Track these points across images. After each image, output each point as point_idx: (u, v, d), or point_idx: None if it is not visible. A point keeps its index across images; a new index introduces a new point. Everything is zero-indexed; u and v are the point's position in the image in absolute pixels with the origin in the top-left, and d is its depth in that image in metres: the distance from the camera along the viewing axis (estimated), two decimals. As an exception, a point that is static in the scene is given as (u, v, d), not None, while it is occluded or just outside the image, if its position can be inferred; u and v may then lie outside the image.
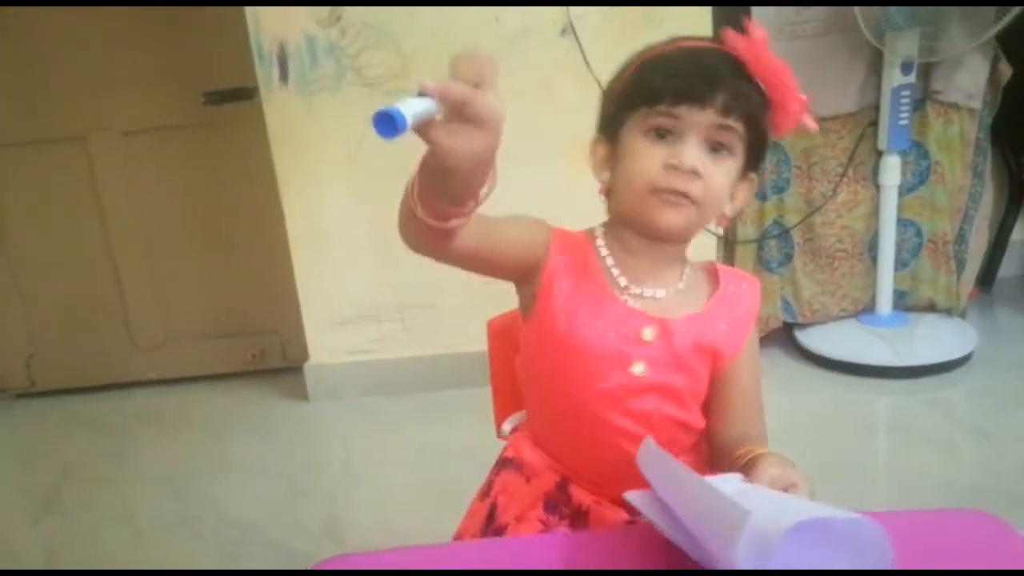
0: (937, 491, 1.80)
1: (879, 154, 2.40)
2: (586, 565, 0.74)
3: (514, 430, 1.09)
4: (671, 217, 0.87)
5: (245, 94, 2.39)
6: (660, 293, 0.93)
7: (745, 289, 0.97)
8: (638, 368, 0.90)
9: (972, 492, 1.77)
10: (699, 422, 0.97)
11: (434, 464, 2.08)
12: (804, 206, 2.48)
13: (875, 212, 2.46)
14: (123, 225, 2.63)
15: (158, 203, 2.61)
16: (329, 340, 2.48)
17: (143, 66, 2.45)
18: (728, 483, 0.75)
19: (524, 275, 0.93)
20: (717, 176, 0.87)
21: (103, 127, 2.52)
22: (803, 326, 2.57)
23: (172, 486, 2.13)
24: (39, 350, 2.74)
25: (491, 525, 0.99)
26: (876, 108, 2.37)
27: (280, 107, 2.27)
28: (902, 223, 2.48)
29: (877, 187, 2.43)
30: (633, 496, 0.79)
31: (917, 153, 2.45)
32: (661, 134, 0.86)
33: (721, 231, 2.44)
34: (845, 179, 2.45)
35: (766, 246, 2.51)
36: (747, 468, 0.82)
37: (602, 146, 0.94)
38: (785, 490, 0.75)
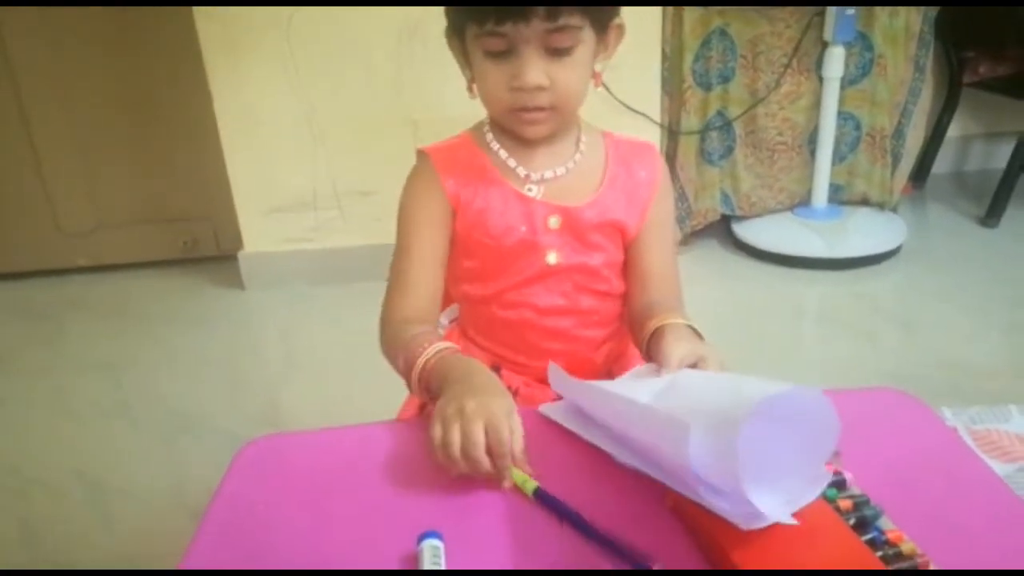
0: (861, 378, 1.88)
1: (824, 45, 2.38)
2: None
3: (451, 322, 1.10)
4: (535, 131, 0.89)
5: (169, -35, 2.23)
6: (560, 170, 0.93)
7: (638, 162, 0.97)
8: (551, 257, 0.94)
9: (893, 379, 1.86)
10: (618, 288, 0.99)
11: (374, 353, 2.08)
12: (748, 97, 2.47)
13: (816, 105, 2.46)
14: (43, 108, 2.47)
15: (79, 82, 2.46)
16: (264, 228, 2.42)
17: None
18: (647, 385, 0.75)
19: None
20: (567, 77, 0.85)
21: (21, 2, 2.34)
22: (740, 219, 2.61)
23: (108, 374, 2.10)
24: (-41, 236, 2.62)
25: (425, 409, 1.01)
26: (824, -3, 2.34)
27: (205, -21, 2.13)
28: (842, 116, 2.49)
29: (820, 79, 2.42)
30: (549, 409, 0.80)
31: (862, 45, 2.43)
32: (496, 54, 0.84)
33: (665, 121, 2.42)
34: (789, 70, 2.43)
35: (708, 138, 2.50)
36: (653, 343, 0.84)
37: (455, 43, 0.91)
38: (695, 365, 0.78)
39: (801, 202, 2.61)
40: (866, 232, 2.51)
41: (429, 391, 0.81)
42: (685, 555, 0.61)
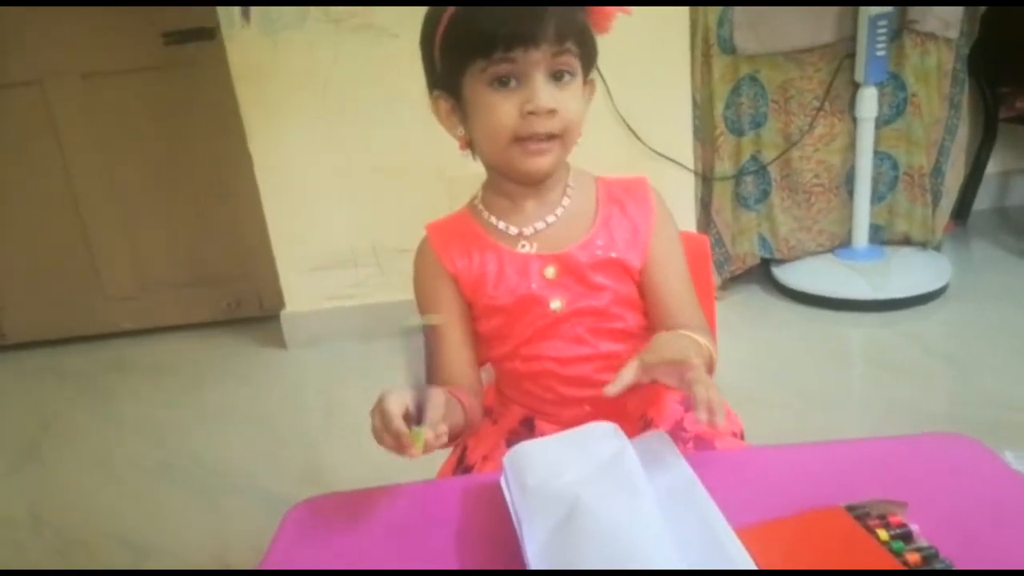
0: (913, 421, 1.82)
1: (856, 86, 2.37)
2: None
3: (487, 382, 1.10)
4: (539, 163, 0.89)
5: (207, 33, 2.32)
6: (550, 218, 0.95)
7: (630, 198, 0.97)
8: (555, 304, 0.94)
9: (947, 421, 1.80)
10: (639, 326, 0.99)
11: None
12: (782, 141, 2.46)
13: (852, 145, 2.44)
14: (86, 173, 2.56)
15: (121, 149, 2.54)
16: (305, 286, 2.45)
17: (100, 6, 2.35)
18: (553, 505, 0.65)
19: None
20: (571, 103, 0.87)
21: (60, 71, 2.43)
22: (780, 262, 2.58)
23: (151, 434, 2.12)
24: (7, 303, 2.68)
25: (460, 466, 1.02)
26: (853, 39, 2.33)
27: (243, 45, 2.20)
28: (878, 156, 2.47)
29: (854, 120, 2.41)
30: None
31: (894, 85, 2.42)
32: (505, 82, 0.85)
33: (699, 168, 2.42)
34: (822, 112, 2.42)
35: (743, 182, 2.49)
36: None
37: (443, 100, 0.92)
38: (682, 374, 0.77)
39: (842, 244, 2.57)
40: (910, 271, 2.46)
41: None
42: None
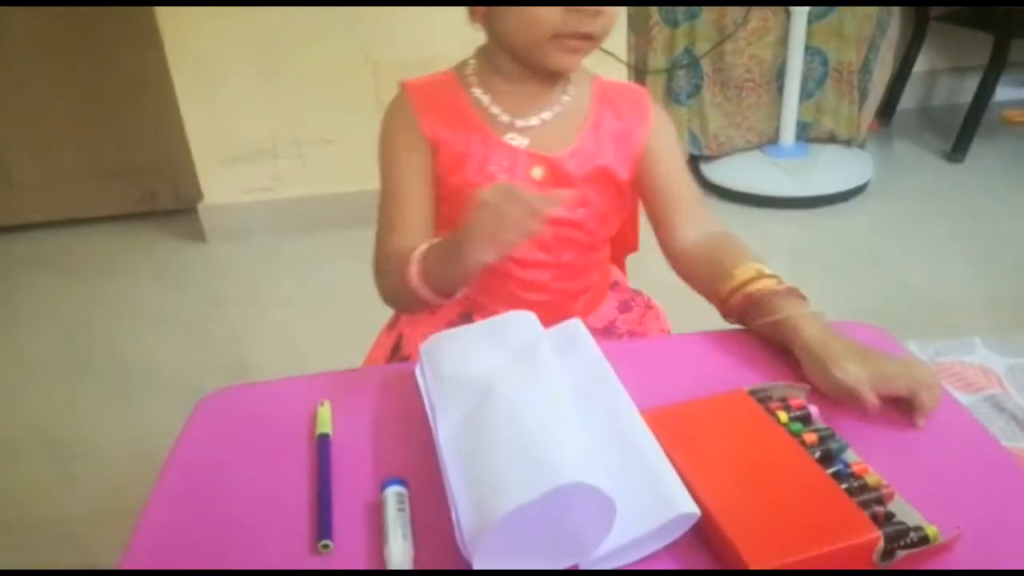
0: (832, 314, 1.87)
1: (791, -22, 2.34)
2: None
3: None
4: (571, 61, 0.84)
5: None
6: (546, 115, 0.89)
7: (625, 101, 0.93)
8: None
9: (864, 314, 1.86)
10: (602, 240, 0.97)
11: (340, 302, 2.05)
12: (715, 34, 2.43)
13: (784, 40, 2.43)
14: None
15: (26, 34, 2.35)
16: (223, 178, 2.36)
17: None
18: (471, 386, 0.65)
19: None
20: (613, 7, 0.81)
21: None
22: (708, 158, 2.59)
23: (68, 332, 2.05)
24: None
25: (396, 355, 1.00)
26: (791, -71, 2.29)
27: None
28: (809, 52, 2.46)
29: (787, 14, 2.39)
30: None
31: (829, -22, 2.40)
32: None
33: (631, 60, 2.38)
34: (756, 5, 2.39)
35: (675, 76, 2.46)
36: (760, 311, 0.79)
37: None
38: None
39: (769, 140, 2.59)
40: (834, 169, 2.50)
41: (432, 276, 0.80)
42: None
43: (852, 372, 0.67)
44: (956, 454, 0.64)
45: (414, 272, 0.80)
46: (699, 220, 0.92)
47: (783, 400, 0.66)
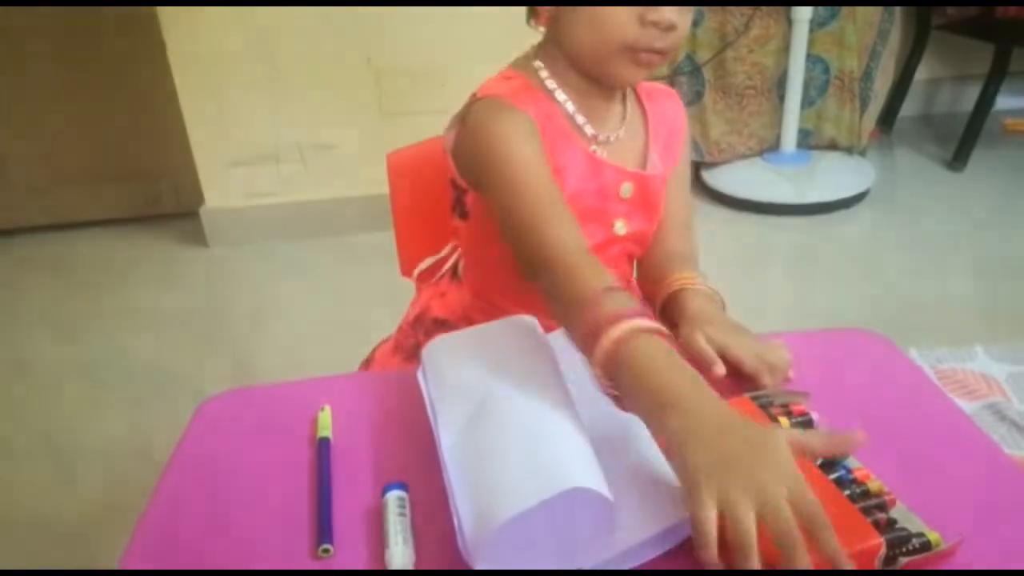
0: (831, 321, 1.89)
1: (793, -14, 2.35)
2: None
3: (424, 276, 1.03)
4: (640, 76, 0.81)
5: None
6: (622, 133, 0.87)
7: (665, 100, 0.93)
8: (619, 227, 0.88)
9: (863, 322, 1.86)
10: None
11: (341, 306, 2.05)
12: (717, 41, 2.44)
13: (786, 48, 2.43)
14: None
15: (29, 37, 2.36)
16: (225, 182, 2.36)
17: None
18: (470, 393, 0.65)
19: None
20: (685, 23, 0.79)
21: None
22: (710, 165, 2.59)
23: (70, 335, 2.05)
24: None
25: (403, 352, 0.98)
26: (793, -63, 2.30)
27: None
28: (811, 60, 2.47)
29: (789, 22, 2.39)
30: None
31: (831, -14, 2.41)
32: None
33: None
34: (758, 12, 2.40)
35: (677, 83, 2.47)
36: (672, 304, 0.82)
37: None
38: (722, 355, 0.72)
39: (770, 148, 2.59)
40: (835, 177, 2.51)
41: (612, 378, 0.62)
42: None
43: (701, 339, 0.71)
44: (958, 461, 0.64)
45: (599, 355, 0.62)
46: (684, 248, 0.93)
47: (784, 406, 0.66)
